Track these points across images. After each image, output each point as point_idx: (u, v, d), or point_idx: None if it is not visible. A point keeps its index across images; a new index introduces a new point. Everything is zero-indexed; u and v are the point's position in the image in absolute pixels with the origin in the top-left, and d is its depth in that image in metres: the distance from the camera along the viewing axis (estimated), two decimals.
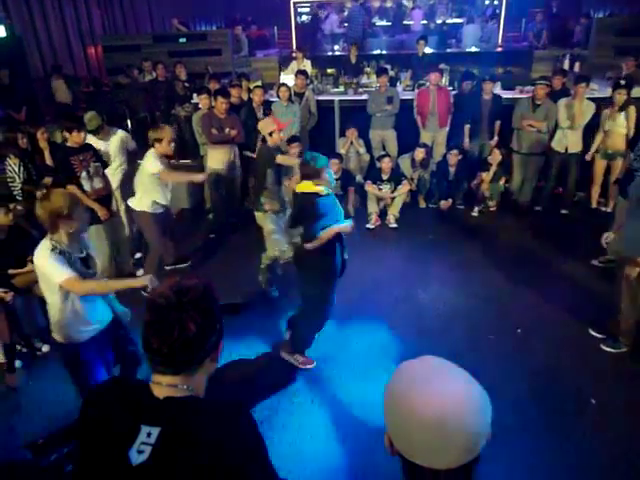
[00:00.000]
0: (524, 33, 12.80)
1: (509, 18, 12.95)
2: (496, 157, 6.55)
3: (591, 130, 6.25)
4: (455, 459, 0.97)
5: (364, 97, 7.58)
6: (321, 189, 3.47)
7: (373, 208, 6.56)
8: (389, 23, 13.53)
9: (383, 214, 6.63)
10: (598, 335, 4.10)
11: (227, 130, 5.98)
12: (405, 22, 13.51)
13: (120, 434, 1.22)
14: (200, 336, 1.25)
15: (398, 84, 8.60)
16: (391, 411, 1.04)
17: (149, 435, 1.20)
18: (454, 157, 6.75)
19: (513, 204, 6.89)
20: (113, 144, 5.39)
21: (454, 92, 7.54)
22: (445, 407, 0.97)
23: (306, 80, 7.58)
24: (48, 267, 2.69)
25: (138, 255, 5.69)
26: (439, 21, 13.25)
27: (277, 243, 4.71)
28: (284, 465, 2.84)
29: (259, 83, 8.33)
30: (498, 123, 6.90)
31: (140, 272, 5.29)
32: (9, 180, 5.22)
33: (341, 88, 8.62)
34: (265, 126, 4.69)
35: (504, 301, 4.76)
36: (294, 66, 9.24)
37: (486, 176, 6.60)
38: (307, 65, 9.29)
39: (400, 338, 4.17)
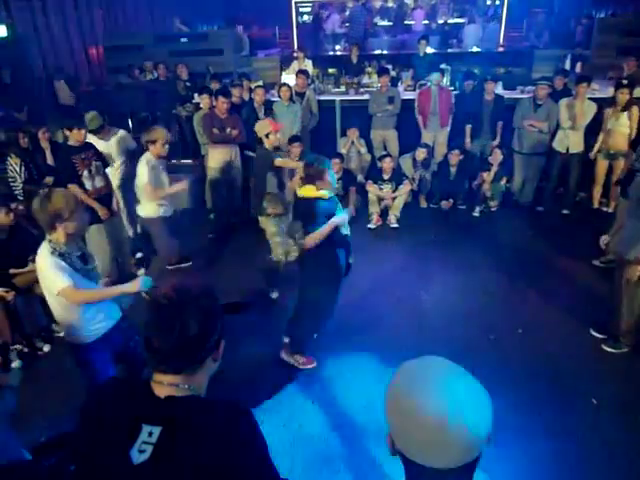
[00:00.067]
0: (525, 33, 12.79)
1: (510, 18, 12.95)
2: (497, 157, 6.55)
3: (592, 130, 6.24)
4: (456, 459, 0.97)
5: (365, 97, 7.59)
6: (324, 194, 3.46)
7: (374, 208, 6.56)
8: (390, 23, 13.54)
9: (384, 214, 6.63)
10: (599, 335, 4.09)
11: (228, 130, 5.98)
12: (406, 22, 13.53)
13: (121, 433, 1.23)
14: (201, 335, 1.25)
15: (399, 84, 8.61)
16: (392, 411, 1.04)
17: (150, 434, 1.21)
18: (455, 157, 6.75)
19: (514, 204, 6.89)
20: (114, 144, 5.39)
21: (455, 92, 7.55)
22: (446, 407, 0.97)
23: (307, 80, 7.58)
24: (48, 273, 2.70)
25: (139, 255, 5.69)
26: (440, 21, 13.26)
27: (280, 245, 4.73)
28: (285, 465, 2.84)
29: (260, 83, 8.33)
30: (500, 123, 6.90)
31: (141, 272, 5.30)
32: (10, 180, 5.23)
33: (342, 88, 8.63)
34: (261, 128, 4.67)
35: (505, 301, 4.75)
36: (295, 66, 9.24)
37: (487, 176, 6.59)
38: (308, 65, 9.30)
39: (401, 338, 4.16)
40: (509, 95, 7.36)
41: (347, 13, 13.63)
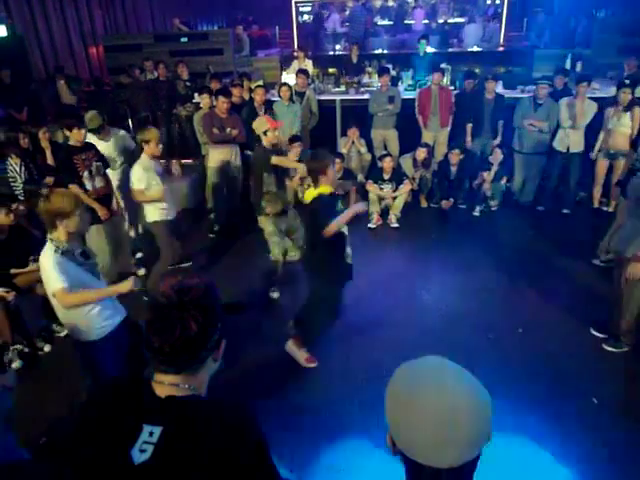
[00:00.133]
0: (526, 33, 12.79)
1: (511, 17, 12.94)
2: (497, 157, 6.55)
3: (593, 129, 6.24)
4: (456, 458, 0.97)
5: (366, 97, 7.59)
6: (325, 189, 3.49)
7: (375, 208, 6.56)
8: (391, 22, 13.53)
9: (385, 214, 6.63)
10: (599, 335, 4.09)
11: (228, 130, 5.98)
12: (407, 21, 13.52)
13: (122, 433, 1.23)
14: (201, 335, 1.25)
15: (399, 83, 8.60)
16: (392, 411, 1.04)
17: (151, 434, 1.21)
18: (456, 156, 6.75)
19: (515, 204, 6.89)
20: (113, 144, 5.40)
21: (456, 92, 7.55)
22: (445, 406, 0.97)
23: (307, 79, 7.58)
24: (48, 272, 2.74)
25: (139, 255, 5.69)
26: (441, 20, 13.26)
27: (277, 245, 4.73)
28: (285, 464, 2.84)
29: (260, 83, 8.34)
30: (501, 123, 6.90)
31: (141, 272, 5.30)
32: (10, 180, 5.23)
33: (342, 88, 8.63)
34: (259, 125, 4.65)
35: (505, 300, 4.76)
36: (295, 66, 9.24)
37: (488, 176, 6.59)
38: (308, 65, 9.30)
39: (401, 337, 4.16)
40: (509, 94, 7.36)
41: (347, 13, 13.63)
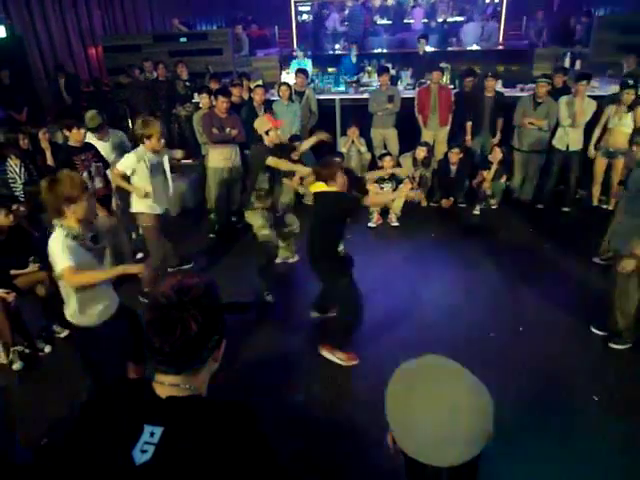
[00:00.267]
0: (525, 31, 12.78)
1: (510, 16, 12.93)
2: (497, 155, 6.54)
3: (592, 128, 6.24)
4: (457, 456, 0.97)
5: (365, 96, 7.58)
6: (334, 187, 3.59)
7: (374, 207, 6.55)
8: (390, 22, 13.51)
9: (385, 213, 6.63)
10: (599, 333, 4.10)
11: (228, 130, 5.97)
12: (406, 20, 13.48)
13: (123, 434, 1.23)
14: (202, 335, 1.25)
15: (399, 83, 8.61)
16: (393, 410, 1.04)
17: (152, 435, 1.21)
18: (455, 155, 6.74)
19: (514, 202, 6.89)
20: (111, 145, 5.40)
21: (455, 90, 7.55)
22: (446, 405, 0.97)
23: (306, 79, 7.58)
24: (56, 252, 2.76)
25: (139, 255, 5.69)
26: (440, 19, 13.23)
27: (269, 237, 4.67)
28: (285, 464, 2.84)
29: (260, 82, 8.34)
30: (500, 121, 6.90)
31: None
32: (10, 181, 5.23)
33: (342, 87, 8.63)
34: (261, 125, 4.60)
35: (505, 299, 4.76)
36: (295, 65, 9.24)
37: (487, 174, 6.59)
38: (308, 64, 9.29)
39: (401, 336, 4.16)
40: (509, 93, 7.36)
41: (346, 12, 13.63)
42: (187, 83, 8.66)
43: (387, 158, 6.58)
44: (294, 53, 10.29)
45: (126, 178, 4.57)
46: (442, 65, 8.07)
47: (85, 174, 4.70)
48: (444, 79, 7.82)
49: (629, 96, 5.72)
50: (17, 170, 5.24)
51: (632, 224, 3.57)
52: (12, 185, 5.23)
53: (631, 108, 5.76)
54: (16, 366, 4.05)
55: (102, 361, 3.08)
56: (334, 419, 3.42)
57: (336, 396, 3.62)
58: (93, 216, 3.03)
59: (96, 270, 2.94)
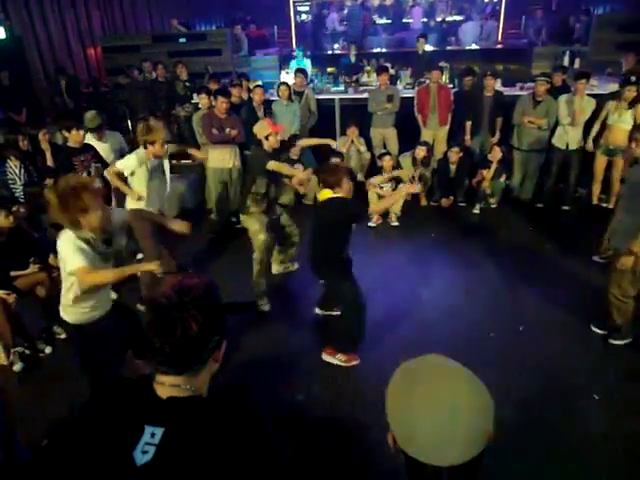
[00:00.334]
0: (524, 30, 12.79)
1: (508, 15, 12.93)
2: (496, 154, 6.54)
3: (592, 126, 6.25)
4: (457, 456, 0.97)
5: (364, 95, 7.58)
6: (341, 194, 3.62)
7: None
8: (389, 21, 13.51)
9: (384, 212, 6.62)
10: (600, 331, 4.10)
11: (227, 130, 5.97)
12: (405, 20, 13.49)
13: (124, 434, 1.23)
14: (202, 335, 1.25)
15: (398, 82, 8.61)
16: (393, 410, 1.04)
17: (153, 435, 1.21)
18: (455, 154, 6.75)
19: (514, 201, 6.89)
20: (110, 146, 5.41)
21: (454, 89, 7.55)
22: (446, 405, 0.97)
23: (306, 79, 7.58)
24: (66, 252, 2.76)
25: (140, 256, 5.68)
26: (439, 19, 13.25)
27: (263, 243, 4.59)
28: (285, 464, 2.84)
29: (259, 82, 8.34)
30: (500, 120, 6.90)
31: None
32: (10, 182, 5.23)
33: (341, 87, 8.63)
34: (260, 130, 4.51)
35: (506, 298, 4.76)
36: (294, 65, 9.24)
37: (487, 173, 6.59)
38: (307, 64, 9.30)
39: (402, 336, 4.17)
40: (508, 92, 7.36)
41: (345, 12, 13.63)
42: (186, 83, 8.66)
43: (387, 158, 6.58)
44: (293, 53, 10.28)
45: (122, 176, 4.49)
46: (441, 64, 8.08)
47: (85, 175, 4.70)
48: (443, 78, 7.82)
49: (631, 93, 5.71)
50: (17, 171, 5.25)
51: (631, 221, 3.58)
52: (12, 186, 5.24)
53: (632, 105, 5.76)
54: (16, 367, 4.04)
55: (99, 359, 3.08)
56: (334, 419, 3.42)
57: (336, 396, 3.62)
58: (108, 223, 2.98)
59: (110, 269, 2.96)
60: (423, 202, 7.07)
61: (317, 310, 4.55)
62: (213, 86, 7.11)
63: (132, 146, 5.45)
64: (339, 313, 4.27)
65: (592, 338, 4.08)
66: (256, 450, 1.25)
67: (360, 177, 7.11)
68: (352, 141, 7.20)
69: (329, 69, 9.92)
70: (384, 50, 12.38)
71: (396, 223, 6.48)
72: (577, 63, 8.70)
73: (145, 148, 4.37)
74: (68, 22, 10.96)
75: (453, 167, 6.84)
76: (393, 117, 7.26)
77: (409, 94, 7.54)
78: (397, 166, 6.80)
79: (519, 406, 3.36)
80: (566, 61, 8.80)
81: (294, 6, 14.07)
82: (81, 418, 1.32)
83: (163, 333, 1.22)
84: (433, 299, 4.78)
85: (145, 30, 13.33)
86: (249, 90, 7.36)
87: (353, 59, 9.68)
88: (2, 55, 8.68)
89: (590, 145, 6.28)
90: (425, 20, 13.18)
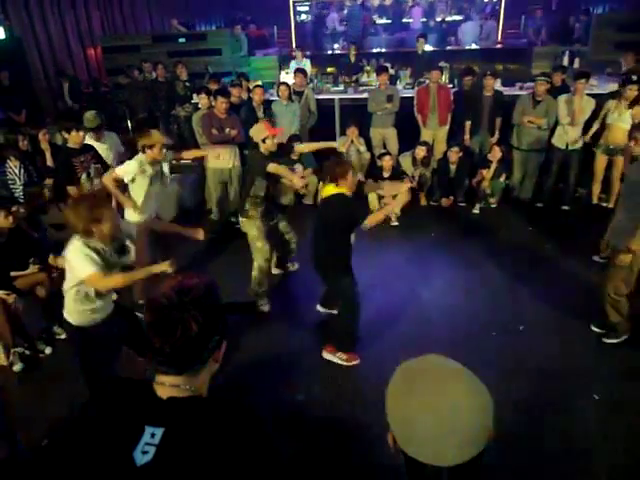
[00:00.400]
0: (523, 30, 12.79)
1: (508, 15, 12.93)
2: (496, 154, 6.54)
3: (591, 126, 6.25)
4: (457, 456, 0.97)
5: (364, 95, 7.58)
6: (344, 189, 3.64)
7: (374, 206, 6.56)
8: (389, 21, 13.51)
9: None
10: (599, 331, 4.10)
11: (227, 130, 5.97)
12: (405, 20, 13.48)
13: (124, 435, 1.23)
14: (202, 335, 1.25)
15: (398, 82, 8.61)
16: (393, 410, 1.04)
17: (153, 436, 1.21)
18: (455, 154, 6.75)
19: (514, 201, 6.89)
20: (109, 147, 5.42)
21: (454, 89, 7.55)
22: (446, 405, 0.97)
23: (305, 79, 7.58)
24: (76, 259, 2.79)
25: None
26: (439, 19, 13.24)
27: (262, 250, 4.55)
28: (285, 464, 2.84)
29: (259, 82, 8.34)
30: (499, 120, 6.89)
31: None
32: (10, 182, 5.23)
33: (341, 87, 8.63)
34: (257, 133, 4.41)
35: (506, 298, 4.75)
36: (294, 65, 9.24)
37: (487, 173, 6.59)
38: (306, 64, 9.30)
39: (401, 335, 4.17)
40: (508, 92, 7.36)
41: (345, 12, 13.63)
42: (186, 83, 8.66)
43: (386, 157, 6.58)
44: (293, 53, 10.29)
45: (121, 183, 4.42)
46: (441, 64, 8.08)
47: (84, 176, 4.71)
48: (443, 78, 7.82)
49: (632, 92, 5.70)
50: (17, 171, 5.24)
51: (629, 219, 3.60)
52: (12, 186, 5.23)
53: (632, 105, 5.75)
54: (16, 367, 4.04)
55: (98, 360, 3.10)
56: (334, 419, 3.42)
57: (336, 396, 3.62)
58: (118, 231, 3.03)
59: (120, 274, 2.97)
60: (423, 202, 7.07)
61: (319, 307, 4.56)
62: (213, 86, 7.11)
63: (130, 147, 5.45)
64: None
65: (592, 338, 4.08)
66: (256, 450, 1.25)
67: (360, 177, 7.10)
68: (352, 141, 7.19)
69: (329, 69, 9.93)
70: (384, 50, 12.37)
71: (396, 223, 6.47)
72: (577, 63, 8.70)
73: (144, 152, 4.33)
74: (68, 22, 10.97)
75: (453, 167, 6.84)
76: (393, 117, 7.26)
77: (409, 94, 7.54)
78: (397, 166, 6.80)
79: (519, 406, 3.36)
80: (566, 61, 8.80)
81: (294, 6, 14.06)
82: (81, 418, 1.32)
83: (163, 333, 1.22)
84: (433, 299, 4.78)
85: (145, 30, 13.34)
86: (249, 90, 7.36)
87: (353, 59, 9.68)
88: (2, 55, 8.68)
89: (587, 138, 6.28)
90: (425, 20, 13.17)
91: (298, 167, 6.85)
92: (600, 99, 6.22)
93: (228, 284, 4.70)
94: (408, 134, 7.26)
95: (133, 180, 4.37)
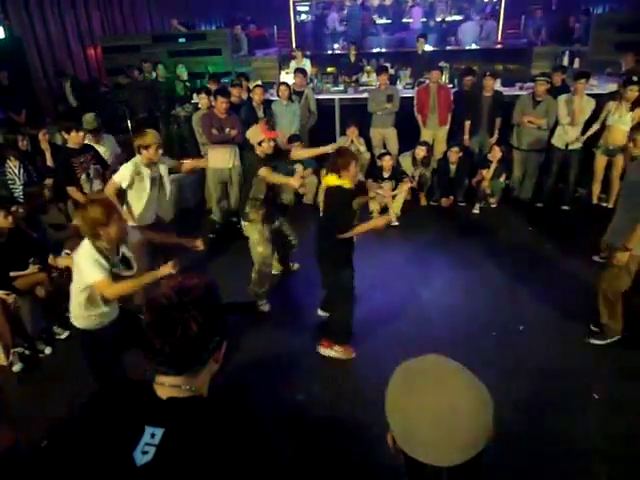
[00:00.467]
0: (523, 30, 12.79)
1: (508, 15, 12.94)
2: (496, 154, 6.54)
3: (591, 126, 6.26)
4: (457, 456, 0.97)
5: (364, 95, 7.58)
6: (345, 182, 3.64)
7: (374, 206, 6.56)
8: (389, 21, 13.52)
9: (384, 212, 6.62)
10: (599, 330, 4.10)
11: (227, 130, 5.97)
12: (404, 20, 13.49)
13: (124, 435, 1.23)
14: (202, 336, 1.24)
15: (398, 82, 8.61)
16: (393, 410, 1.04)
17: (153, 436, 1.21)
18: (455, 154, 6.75)
19: (514, 201, 6.89)
20: (106, 148, 5.43)
21: (454, 89, 7.55)
22: (445, 405, 0.97)
23: (305, 78, 7.58)
24: (84, 264, 2.82)
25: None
26: (438, 19, 13.25)
27: (262, 255, 4.50)
28: (285, 464, 2.84)
29: (259, 82, 8.34)
30: (499, 120, 6.89)
31: None
32: (9, 182, 5.23)
33: (341, 87, 8.63)
34: (253, 135, 4.36)
35: (505, 298, 4.76)
36: (293, 65, 9.25)
37: (487, 173, 6.59)
38: (306, 64, 9.30)
39: (401, 335, 4.16)
40: (508, 92, 7.36)
41: (345, 12, 13.63)
42: (186, 83, 8.66)
43: (386, 158, 6.58)
44: (293, 53, 10.29)
45: (121, 191, 4.30)
46: (441, 64, 8.09)
47: (83, 176, 4.70)
48: (443, 78, 7.83)
49: (633, 93, 5.69)
50: (16, 171, 5.25)
51: (627, 219, 3.60)
52: (11, 186, 5.24)
53: (634, 106, 5.74)
54: (16, 368, 4.05)
55: (107, 363, 3.12)
56: (334, 419, 3.42)
57: (336, 396, 3.62)
58: (125, 235, 3.06)
59: (127, 280, 2.97)
60: (423, 202, 7.08)
61: (320, 312, 4.54)
62: (212, 86, 7.11)
63: (128, 147, 5.45)
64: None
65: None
66: (256, 450, 1.25)
67: (360, 177, 7.10)
68: (352, 141, 7.19)
69: (329, 69, 9.93)
70: (384, 50, 12.37)
71: (396, 223, 6.47)
72: (577, 63, 8.71)
73: (139, 153, 4.25)
74: (68, 22, 10.95)
75: (453, 167, 6.84)
76: (393, 117, 7.26)
77: (409, 94, 7.55)
78: (397, 166, 6.80)
79: (519, 406, 3.36)
80: (566, 61, 8.81)
81: (294, 6, 14.07)
82: (81, 418, 1.32)
83: (163, 333, 1.22)
84: (433, 299, 4.78)
85: (145, 30, 13.34)
86: (249, 90, 7.36)
87: (353, 59, 9.68)
88: (2, 55, 8.66)
89: (583, 139, 6.28)
90: (425, 20, 13.18)
91: (298, 167, 6.86)
92: (600, 99, 6.23)
93: (229, 284, 4.70)
94: (408, 134, 7.27)
95: (131, 186, 4.27)
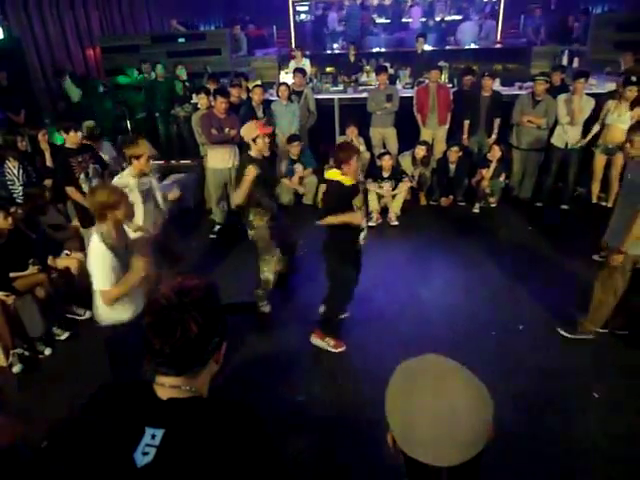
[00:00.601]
0: (523, 29, 12.79)
1: (507, 14, 12.94)
2: (496, 153, 6.54)
3: (591, 125, 6.25)
4: (457, 456, 0.97)
5: (364, 95, 7.59)
6: (346, 179, 3.65)
7: (374, 206, 6.56)
8: (388, 21, 13.51)
9: (384, 212, 6.63)
10: (599, 330, 4.09)
11: (227, 130, 5.97)
12: (404, 20, 13.48)
13: (125, 436, 1.23)
14: (202, 336, 1.25)
15: (397, 82, 8.61)
16: (393, 410, 1.04)
17: (153, 437, 1.21)
18: (454, 154, 6.75)
19: (514, 200, 6.89)
20: (105, 153, 5.45)
21: (454, 89, 7.55)
22: (445, 405, 0.97)
23: (305, 78, 7.58)
24: (95, 268, 2.90)
25: None
26: (438, 18, 13.23)
27: (269, 262, 4.47)
28: (286, 464, 2.84)
29: (258, 82, 8.34)
30: (498, 120, 6.89)
31: None
32: (9, 183, 5.23)
33: (340, 86, 8.64)
34: (248, 132, 4.22)
35: (505, 297, 4.76)
36: (293, 65, 9.24)
37: (486, 172, 6.59)
38: (306, 64, 9.30)
39: (401, 334, 4.16)
40: (507, 91, 7.36)
41: (344, 11, 13.62)
42: (186, 84, 8.65)
43: (386, 157, 6.58)
44: (292, 53, 10.29)
45: None
46: (440, 64, 8.09)
47: (82, 176, 4.70)
48: (442, 78, 7.83)
49: (632, 93, 5.70)
50: (15, 172, 5.24)
51: (623, 218, 3.61)
52: (10, 187, 5.23)
53: (633, 106, 5.74)
54: (16, 369, 4.04)
55: (127, 358, 3.07)
56: (334, 419, 3.42)
57: (336, 396, 3.62)
58: (132, 217, 3.19)
59: (121, 281, 2.97)
60: (423, 201, 7.08)
61: (321, 308, 4.52)
62: (212, 86, 7.11)
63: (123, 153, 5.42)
64: (347, 314, 4.33)
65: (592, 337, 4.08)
66: (256, 450, 1.25)
67: (359, 176, 7.10)
68: (351, 141, 7.19)
69: (328, 69, 9.93)
70: (383, 50, 12.36)
71: (396, 222, 6.48)
72: (576, 62, 8.71)
73: (130, 163, 4.16)
74: (67, 23, 10.94)
75: (452, 166, 6.85)
76: (392, 117, 7.26)
77: (408, 94, 7.55)
78: (397, 166, 6.80)
79: (519, 405, 3.36)
80: (565, 60, 8.82)
81: (293, 6, 14.06)
82: (81, 419, 1.32)
83: (163, 334, 1.22)
84: (433, 298, 4.78)
85: (144, 30, 13.32)
86: (248, 90, 7.36)
87: (352, 59, 9.68)
88: (0, 56, 8.65)
89: (585, 141, 6.28)
90: (424, 20, 13.15)
91: (298, 167, 6.86)
92: (599, 98, 6.23)
93: (229, 285, 4.71)
94: (408, 134, 7.27)
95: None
